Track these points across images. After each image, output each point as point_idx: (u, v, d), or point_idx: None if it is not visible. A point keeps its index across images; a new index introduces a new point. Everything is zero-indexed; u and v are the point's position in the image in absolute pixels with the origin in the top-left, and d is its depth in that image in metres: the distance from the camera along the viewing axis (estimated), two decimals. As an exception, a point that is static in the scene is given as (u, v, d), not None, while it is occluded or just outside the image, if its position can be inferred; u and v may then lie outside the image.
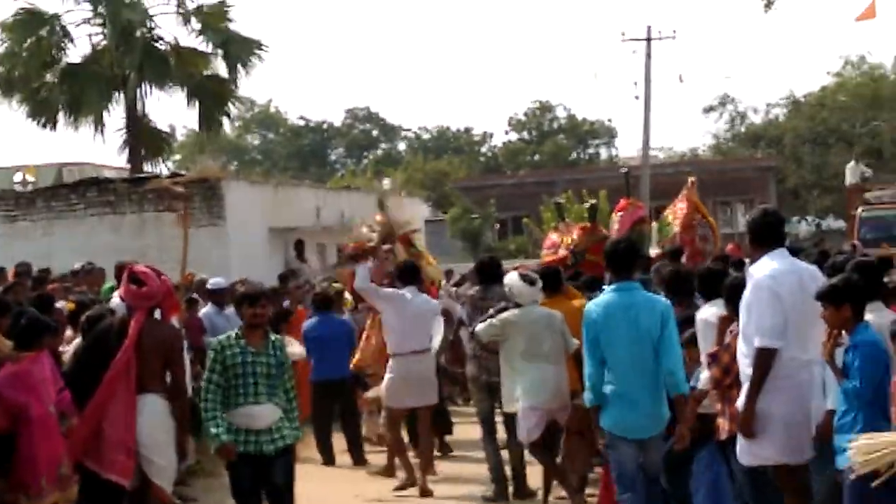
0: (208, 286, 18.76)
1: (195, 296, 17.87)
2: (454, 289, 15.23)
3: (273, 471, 10.27)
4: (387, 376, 14.41)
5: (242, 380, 10.20)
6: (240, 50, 34.66)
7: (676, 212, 20.87)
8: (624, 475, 10.25)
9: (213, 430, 10.19)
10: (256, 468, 10.26)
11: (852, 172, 41.31)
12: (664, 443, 10.52)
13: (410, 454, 14.72)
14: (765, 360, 9.14)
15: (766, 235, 9.56)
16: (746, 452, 9.42)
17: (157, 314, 11.04)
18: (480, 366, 13.70)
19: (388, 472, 14.99)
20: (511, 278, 12.70)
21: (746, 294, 9.45)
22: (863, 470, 7.84)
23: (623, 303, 10.24)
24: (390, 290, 14.55)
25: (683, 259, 17.61)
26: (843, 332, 8.60)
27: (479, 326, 12.82)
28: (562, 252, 18.16)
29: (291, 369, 10.75)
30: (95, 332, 11.09)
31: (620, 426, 10.19)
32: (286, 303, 20.27)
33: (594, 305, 10.44)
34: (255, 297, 10.51)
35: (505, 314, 12.58)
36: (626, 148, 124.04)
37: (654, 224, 21.70)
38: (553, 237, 20.28)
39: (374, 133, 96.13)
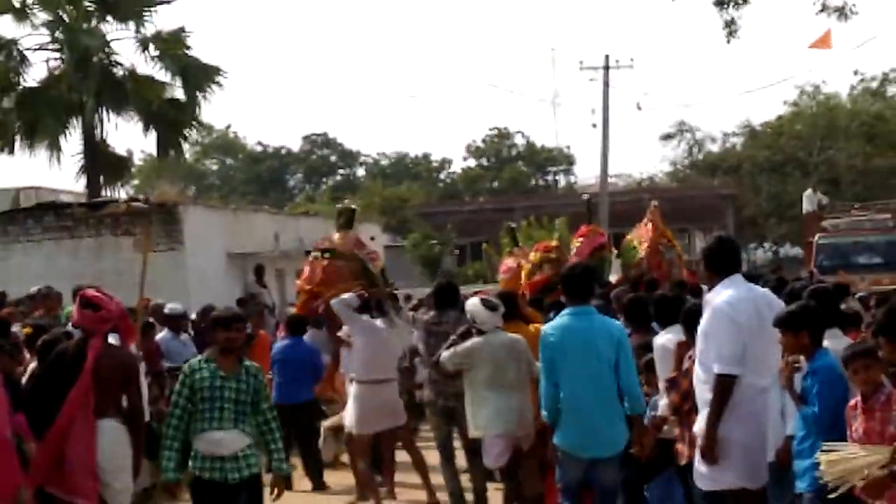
0: (166, 311, 18.64)
1: (151, 320, 17.72)
2: (411, 313, 15.13)
3: (237, 502, 9.82)
4: (350, 403, 14.40)
5: (209, 404, 9.77)
6: (198, 76, 34.62)
7: (642, 235, 20.94)
8: (569, 489, 10.56)
9: (165, 463, 9.86)
10: (220, 497, 9.81)
11: (809, 200, 41.57)
12: (618, 468, 10.60)
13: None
14: (725, 386, 9.18)
15: (723, 263, 9.60)
16: (706, 477, 9.44)
17: (114, 339, 10.99)
18: (438, 390, 13.62)
19: (360, 499, 14.98)
20: (473, 304, 12.62)
21: (704, 321, 9.49)
22: (835, 482, 7.84)
23: (579, 327, 10.42)
24: (364, 318, 14.54)
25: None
26: (802, 357, 8.63)
27: (445, 354, 12.51)
28: (537, 274, 18.27)
29: (268, 398, 10.22)
30: (52, 355, 11.01)
31: (573, 445, 10.40)
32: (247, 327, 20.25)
33: (551, 329, 10.63)
34: (229, 320, 10.07)
35: (469, 342, 12.33)
36: (585, 174, 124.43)
37: (614, 251, 21.79)
38: (509, 262, 20.33)
39: (333, 159, 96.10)
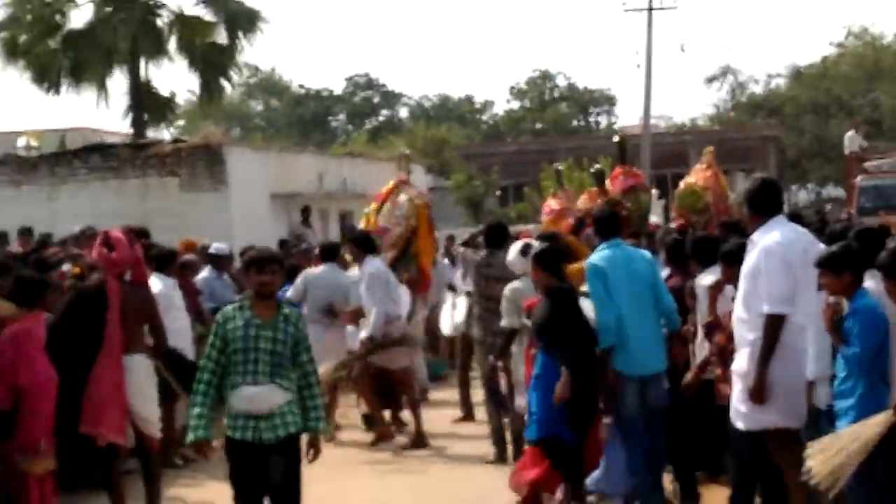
0: (211, 251, 18.80)
1: (191, 258, 17.77)
2: (462, 248, 15.25)
3: (272, 464, 8.95)
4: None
5: (243, 356, 8.91)
6: (241, 20, 34.83)
7: (706, 180, 20.86)
8: (632, 419, 10.75)
9: (194, 421, 9.01)
10: (255, 458, 8.95)
11: (851, 141, 41.40)
12: (665, 385, 11.02)
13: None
14: (775, 326, 9.22)
15: (766, 204, 9.63)
16: (748, 417, 9.49)
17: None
18: (486, 328, 13.73)
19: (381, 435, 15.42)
20: (512, 250, 12.89)
21: (751, 261, 9.50)
22: (829, 481, 8.05)
23: (620, 255, 11.05)
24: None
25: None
26: (844, 299, 8.69)
27: (504, 322, 12.56)
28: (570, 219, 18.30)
29: (309, 349, 9.23)
30: (75, 292, 11.39)
31: (632, 364, 10.72)
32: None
33: (598, 259, 11.02)
34: (264, 261, 9.15)
35: (510, 286, 12.59)
36: (627, 117, 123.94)
37: (655, 191, 21.82)
38: (552, 203, 20.42)
39: (376, 100, 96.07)
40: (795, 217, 12.45)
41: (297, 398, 9.11)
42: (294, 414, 9.03)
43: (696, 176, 20.83)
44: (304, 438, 9.17)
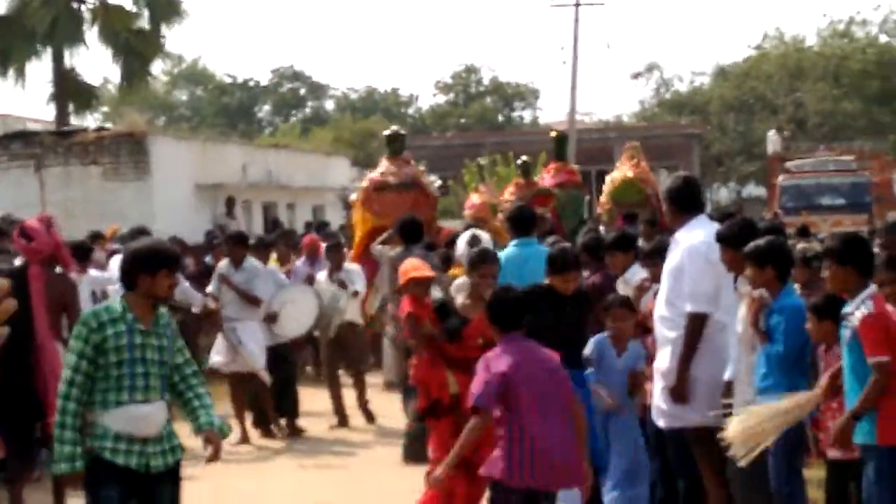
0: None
1: (117, 246, 17.74)
2: (379, 247, 15.10)
3: (159, 496, 7.80)
4: None
5: (129, 369, 7.58)
6: (164, 8, 34.68)
7: (641, 172, 20.95)
8: None
9: (68, 450, 7.52)
10: (138, 488, 7.71)
11: (774, 141, 41.83)
12: None
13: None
14: (698, 325, 9.28)
15: (688, 202, 9.69)
16: (669, 415, 9.55)
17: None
18: (399, 327, 13.57)
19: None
20: (460, 242, 13.00)
21: (675, 259, 9.55)
22: (746, 449, 8.15)
23: (523, 254, 11.83)
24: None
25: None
26: (767, 293, 8.76)
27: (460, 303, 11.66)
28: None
29: (183, 349, 8.08)
30: None
31: None
32: (208, 258, 20.46)
33: (503, 257, 11.49)
34: (175, 261, 7.97)
35: (458, 281, 12.50)
36: (552, 112, 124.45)
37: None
38: (474, 198, 20.47)
39: (302, 92, 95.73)
40: (727, 216, 12.59)
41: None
42: (176, 435, 7.97)
43: (630, 170, 20.90)
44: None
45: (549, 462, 7.96)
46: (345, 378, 16.53)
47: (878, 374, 7.72)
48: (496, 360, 8.07)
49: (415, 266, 10.93)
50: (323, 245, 17.97)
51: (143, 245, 8.02)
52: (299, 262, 18.27)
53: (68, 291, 11.60)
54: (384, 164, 18.29)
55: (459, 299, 11.12)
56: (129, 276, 7.77)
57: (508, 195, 19.08)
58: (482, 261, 10.53)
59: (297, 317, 15.74)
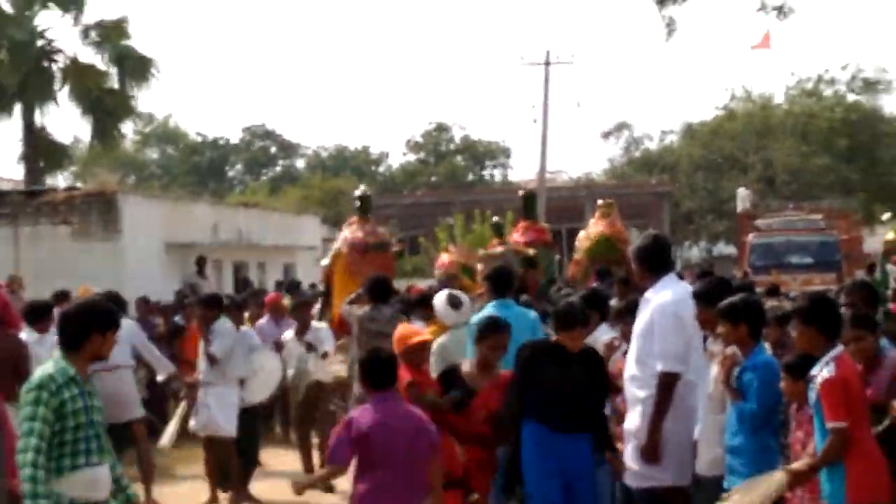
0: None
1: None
2: (347, 306, 14.94)
3: None
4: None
5: (84, 432, 7.33)
6: (135, 66, 34.70)
7: (618, 233, 20.95)
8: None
9: None
10: None
11: (743, 199, 41.99)
12: None
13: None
14: (669, 385, 9.28)
15: (657, 261, 9.71)
16: (641, 476, 9.51)
17: None
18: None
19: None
20: (437, 300, 12.84)
21: (645, 318, 9.55)
22: None
23: (504, 316, 11.08)
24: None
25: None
26: (738, 351, 8.77)
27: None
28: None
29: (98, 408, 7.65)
30: None
31: None
32: (177, 318, 20.38)
33: (478, 319, 11.22)
34: (113, 320, 7.76)
35: (438, 341, 12.15)
36: (523, 170, 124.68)
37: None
38: (444, 257, 20.47)
39: (273, 150, 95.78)
40: (704, 274, 12.71)
41: None
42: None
43: (605, 227, 20.87)
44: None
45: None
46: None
47: (835, 439, 7.77)
48: (360, 417, 8.60)
49: (411, 332, 10.60)
50: (287, 303, 17.90)
51: (93, 304, 7.87)
52: (263, 321, 18.14)
53: (17, 350, 11.48)
54: (358, 226, 18.21)
55: (433, 361, 11.10)
56: (80, 335, 7.53)
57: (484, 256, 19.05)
58: (493, 330, 10.20)
59: (263, 382, 15.63)
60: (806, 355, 8.34)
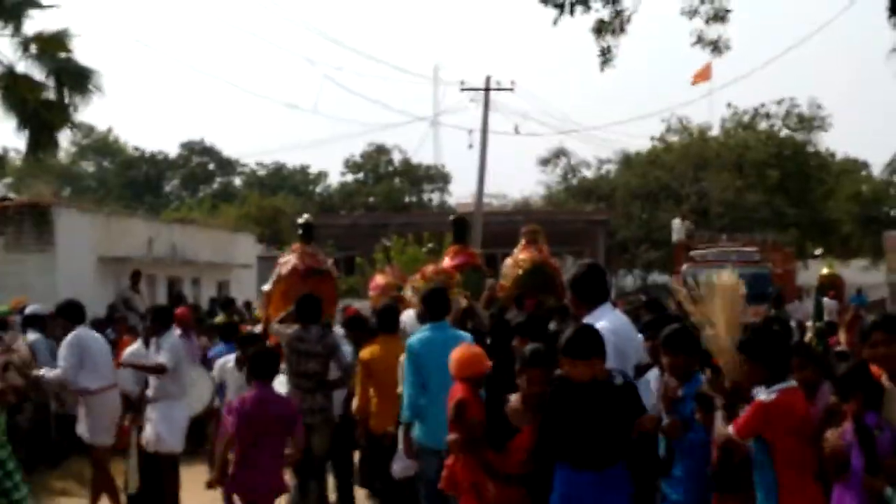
0: (27, 312, 18.43)
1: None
2: (277, 325, 14.78)
3: None
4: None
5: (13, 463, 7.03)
6: (75, 79, 34.44)
7: (547, 259, 20.96)
8: (430, 482, 11.25)
9: None
10: None
11: (678, 229, 42.29)
12: None
13: None
14: None
15: (593, 291, 9.73)
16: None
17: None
18: (298, 408, 12.98)
19: None
20: (407, 315, 13.04)
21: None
22: None
23: (438, 338, 11.75)
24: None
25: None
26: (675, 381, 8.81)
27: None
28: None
29: None
30: None
31: (435, 438, 11.20)
32: (108, 331, 20.27)
33: (416, 341, 11.86)
34: None
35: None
36: (461, 194, 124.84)
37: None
38: (379, 279, 20.44)
39: (211, 167, 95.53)
40: (654, 303, 13.04)
41: None
42: None
43: (534, 254, 20.82)
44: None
45: (252, 482, 10.89)
46: None
47: (731, 444, 8.02)
48: (242, 400, 11.08)
49: (481, 356, 10.31)
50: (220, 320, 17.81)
51: None
52: (175, 335, 18.12)
53: None
54: (300, 252, 18.14)
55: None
56: None
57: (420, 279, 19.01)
58: (531, 363, 9.06)
59: (198, 396, 15.57)
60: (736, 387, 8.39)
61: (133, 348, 15.21)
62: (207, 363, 16.77)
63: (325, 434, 13.65)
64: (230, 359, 15.89)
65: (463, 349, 10.54)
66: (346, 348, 14.77)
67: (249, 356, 11.70)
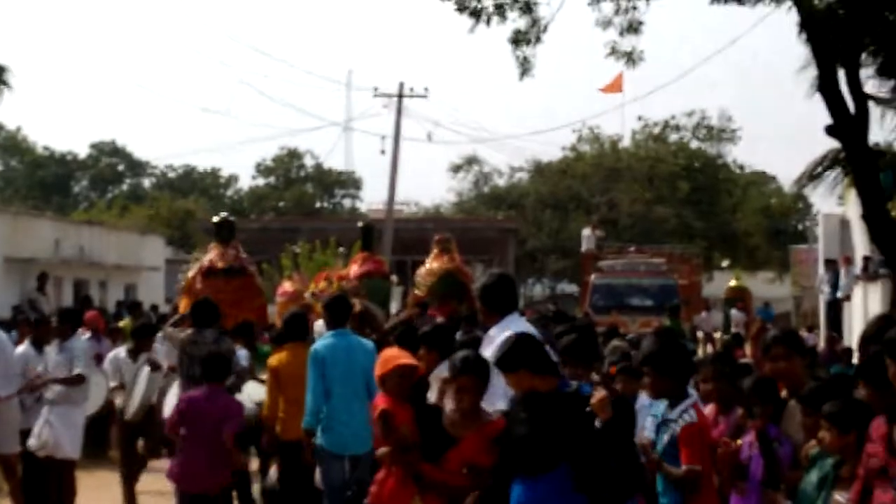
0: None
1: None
2: (170, 329, 14.42)
3: None
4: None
5: None
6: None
7: (460, 268, 20.99)
8: (335, 488, 11.70)
9: None
10: None
11: (587, 240, 42.56)
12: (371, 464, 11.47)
13: None
14: None
15: (502, 300, 9.77)
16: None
17: None
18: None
19: None
20: (318, 324, 13.09)
21: (487, 356, 9.54)
22: None
23: (343, 344, 12.02)
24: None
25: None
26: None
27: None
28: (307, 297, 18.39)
29: None
30: None
31: (339, 444, 11.69)
32: (12, 333, 20.04)
33: (321, 347, 11.99)
34: None
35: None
36: (372, 200, 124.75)
37: (394, 278, 21.96)
38: (286, 285, 20.42)
39: (120, 168, 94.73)
40: (561, 314, 13.12)
41: None
42: None
43: (446, 263, 20.87)
44: None
45: (194, 474, 11.59)
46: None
47: (692, 480, 8.06)
48: (186, 398, 11.89)
49: (396, 354, 9.36)
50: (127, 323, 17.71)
51: None
52: (84, 338, 18.07)
53: None
54: (215, 251, 18.05)
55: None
56: None
57: (326, 285, 19.01)
58: (458, 372, 8.57)
59: (94, 397, 15.35)
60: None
61: (22, 350, 14.79)
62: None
63: None
64: (121, 350, 16.13)
65: (390, 350, 9.75)
66: (241, 352, 14.78)
67: (203, 359, 12.11)
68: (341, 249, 21.87)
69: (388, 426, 8.71)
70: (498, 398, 8.86)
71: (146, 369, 15.64)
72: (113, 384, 15.95)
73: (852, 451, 7.02)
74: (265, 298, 18.34)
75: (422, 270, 21.13)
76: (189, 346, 13.43)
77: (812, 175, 20.28)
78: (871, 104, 16.83)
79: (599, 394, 7.90)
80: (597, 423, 7.66)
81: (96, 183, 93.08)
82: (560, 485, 7.74)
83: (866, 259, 28.24)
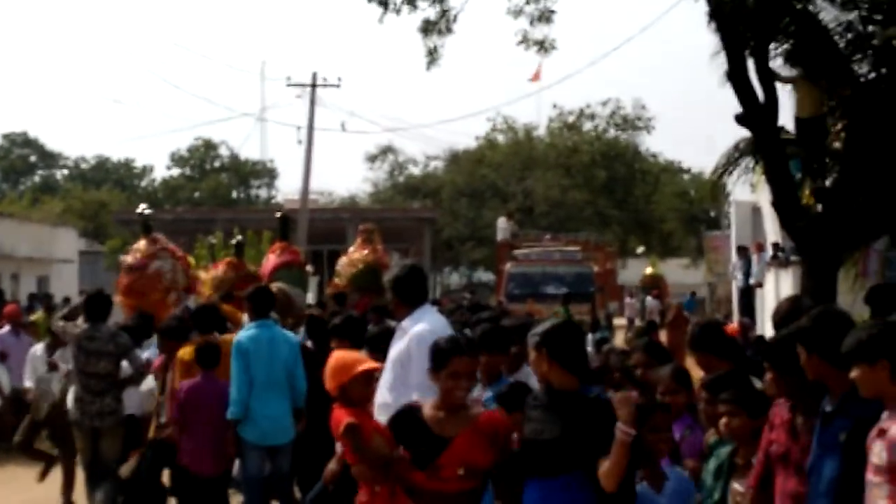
0: None
1: None
2: (62, 322, 14.00)
3: None
4: None
5: None
6: None
7: (380, 260, 20.97)
8: (254, 479, 11.89)
9: None
10: None
11: (503, 228, 42.68)
12: (291, 454, 12.05)
13: None
14: None
15: (414, 292, 9.78)
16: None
17: None
18: (84, 410, 12.98)
19: None
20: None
21: (401, 347, 9.44)
22: None
23: (266, 336, 12.01)
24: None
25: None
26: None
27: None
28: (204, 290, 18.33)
29: None
30: None
31: (259, 435, 11.82)
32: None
33: (245, 338, 11.99)
34: None
35: None
36: (288, 190, 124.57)
37: (309, 268, 21.91)
38: (201, 274, 20.33)
39: (33, 159, 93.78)
40: (477, 305, 13.12)
41: None
42: None
43: (370, 253, 20.88)
44: None
45: (199, 456, 11.82)
46: None
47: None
48: (184, 387, 11.89)
49: (353, 360, 7.92)
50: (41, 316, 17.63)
51: None
52: (3, 331, 18.06)
53: None
54: (144, 245, 18.07)
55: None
56: None
57: (221, 274, 18.95)
58: (451, 354, 7.46)
59: None
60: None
61: None
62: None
63: (116, 437, 13.07)
64: (39, 347, 16.21)
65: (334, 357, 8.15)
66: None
67: (196, 348, 12.07)
68: (238, 238, 21.74)
69: (358, 441, 7.45)
70: (412, 389, 8.88)
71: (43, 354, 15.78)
72: (28, 384, 15.94)
73: (747, 438, 7.05)
74: (164, 294, 18.09)
75: (343, 260, 21.15)
76: (85, 342, 13.04)
77: (728, 163, 20.42)
78: (778, 86, 16.88)
79: (627, 393, 7.59)
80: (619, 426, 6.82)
81: (8, 174, 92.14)
82: (576, 486, 7.13)
83: (776, 246, 28.50)
